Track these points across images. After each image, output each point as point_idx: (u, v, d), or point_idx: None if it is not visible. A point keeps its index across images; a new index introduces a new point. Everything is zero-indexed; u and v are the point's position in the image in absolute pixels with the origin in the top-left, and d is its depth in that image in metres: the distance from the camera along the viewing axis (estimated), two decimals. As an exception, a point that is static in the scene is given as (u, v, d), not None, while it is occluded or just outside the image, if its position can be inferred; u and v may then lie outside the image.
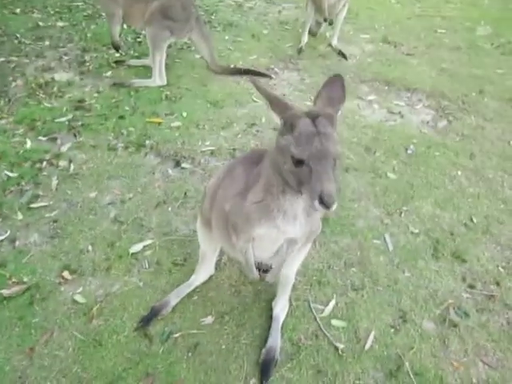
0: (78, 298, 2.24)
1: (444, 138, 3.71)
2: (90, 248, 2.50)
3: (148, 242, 2.56)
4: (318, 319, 2.22)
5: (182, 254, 2.51)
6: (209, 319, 2.19)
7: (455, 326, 2.23)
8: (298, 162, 1.37)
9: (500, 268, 2.56)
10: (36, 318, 2.12)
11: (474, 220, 2.87)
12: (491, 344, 2.17)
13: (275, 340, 2.09)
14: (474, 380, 2.02)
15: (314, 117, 1.39)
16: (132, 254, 2.48)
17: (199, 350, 2.05)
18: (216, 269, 2.40)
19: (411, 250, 2.63)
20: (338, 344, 2.12)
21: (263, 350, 2.04)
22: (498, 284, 2.46)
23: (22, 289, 2.24)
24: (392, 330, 2.20)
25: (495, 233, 2.78)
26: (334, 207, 1.33)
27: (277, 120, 1.44)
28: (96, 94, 3.92)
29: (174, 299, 2.23)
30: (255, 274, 1.88)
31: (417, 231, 2.76)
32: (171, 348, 2.06)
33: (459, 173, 3.30)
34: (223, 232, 1.89)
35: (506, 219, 2.89)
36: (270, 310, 2.23)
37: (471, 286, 2.44)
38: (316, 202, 1.34)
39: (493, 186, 3.17)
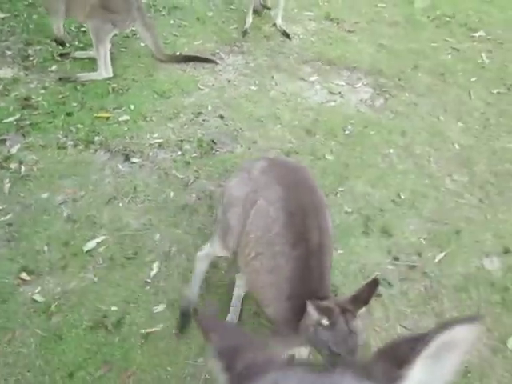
0: (37, 297, 2.43)
1: (380, 117, 3.96)
2: (45, 248, 2.67)
3: (101, 238, 2.75)
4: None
5: (133, 247, 2.71)
6: (160, 307, 2.42)
7: (379, 295, 2.54)
8: (333, 352, 1.65)
9: (422, 240, 2.87)
10: (-2, 319, 2.31)
11: (402, 196, 3.16)
12: (410, 309, 2.49)
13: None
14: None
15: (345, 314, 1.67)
16: (86, 251, 2.67)
17: (152, 336, 2.29)
18: (165, 260, 2.62)
19: (344, 229, 2.91)
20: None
21: None
22: (419, 255, 2.78)
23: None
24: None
25: (419, 207, 3.08)
26: None
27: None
28: (42, 91, 3.97)
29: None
30: None
31: (350, 210, 3.04)
32: (126, 337, 2.29)
33: (391, 150, 3.57)
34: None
35: (430, 193, 3.19)
36: (217, 294, 2.48)
37: (396, 258, 2.75)
38: None
39: (420, 162, 3.46)
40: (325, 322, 1.66)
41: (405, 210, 3.07)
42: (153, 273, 2.58)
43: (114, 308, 2.39)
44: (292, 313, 1.84)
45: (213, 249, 2.28)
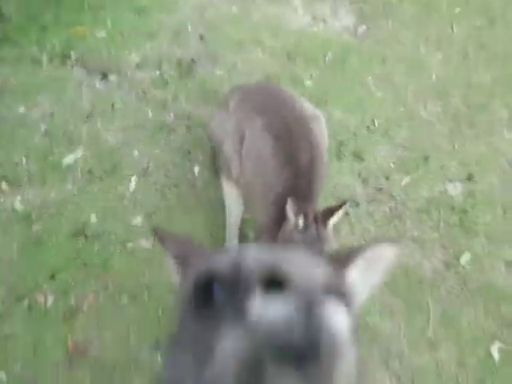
0: (17, 206, 2.50)
1: (361, 44, 3.95)
2: (24, 161, 2.71)
3: (79, 153, 2.79)
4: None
5: (111, 163, 2.76)
6: (138, 219, 2.53)
7: (347, 214, 2.68)
8: None
9: (391, 164, 2.99)
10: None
11: (376, 123, 3.24)
12: (374, 228, 2.65)
13: None
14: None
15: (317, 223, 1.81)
16: (65, 165, 2.72)
17: (130, 246, 2.41)
18: (143, 175, 2.70)
19: (318, 152, 3.00)
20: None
21: None
22: (387, 178, 2.91)
23: (-38, 200, 2.47)
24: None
25: (392, 134, 3.18)
26: None
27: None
28: (13, 3, 3.82)
29: None
30: None
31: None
32: (105, 245, 2.40)
33: (370, 78, 3.61)
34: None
35: (404, 122, 3.28)
36: (193, 210, 2.59)
37: (365, 181, 2.88)
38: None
39: (397, 91, 3.51)
40: (300, 222, 1.78)
41: (378, 136, 3.16)
42: (131, 187, 2.66)
43: (93, 219, 2.49)
44: (275, 224, 1.96)
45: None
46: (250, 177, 2.06)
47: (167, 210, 2.59)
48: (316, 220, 1.83)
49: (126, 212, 2.56)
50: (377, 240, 0.86)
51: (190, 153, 2.92)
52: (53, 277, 2.25)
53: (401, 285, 2.49)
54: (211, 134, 2.24)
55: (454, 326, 2.37)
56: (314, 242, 1.79)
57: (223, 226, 2.55)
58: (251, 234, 2.52)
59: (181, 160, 2.86)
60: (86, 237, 2.42)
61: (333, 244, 1.87)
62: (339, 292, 0.52)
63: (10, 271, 2.24)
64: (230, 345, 0.44)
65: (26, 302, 2.15)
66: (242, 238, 2.50)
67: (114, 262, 2.35)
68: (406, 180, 2.89)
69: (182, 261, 0.80)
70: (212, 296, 0.50)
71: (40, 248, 2.34)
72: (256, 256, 0.51)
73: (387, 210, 2.75)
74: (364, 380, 0.58)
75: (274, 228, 1.97)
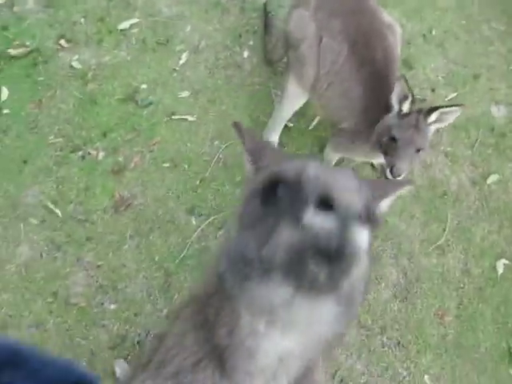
0: (75, 64, 2.61)
1: None
2: (82, 20, 2.77)
3: (135, 20, 2.83)
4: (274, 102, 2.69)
5: (164, 34, 2.81)
6: (185, 93, 2.64)
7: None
8: (393, 139, 1.87)
9: (440, 77, 2.97)
10: (41, 76, 2.53)
11: (433, 32, 3.15)
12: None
13: None
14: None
15: (419, 113, 1.86)
16: (120, 30, 2.78)
17: (176, 117, 2.55)
18: (194, 52, 2.76)
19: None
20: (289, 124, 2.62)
21: None
22: (433, 91, 2.90)
23: (25, 51, 2.59)
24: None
25: (447, 47, 3.10)
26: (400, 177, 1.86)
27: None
28: None
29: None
30: None
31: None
32: (153, 112, 2.55)
33: (437, -16, 3.43)
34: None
35: (462, 36, 3.18)
36: (237, 92, 2.68)
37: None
38: (388, 170, 1.89)
39: (462, 2, 3.35)
40: (406, 106, 1.89)
41: (432, 47, 3.09)
42: (181, 62, 2.73)
43: (143, 86, 2.61)
44: (366, 123, 2.06)
45: (281, 109, 2.38)
46: (324, 83, 2.11)
47: (213, 89, 2.69)
48: (420, 111, 1.88)
49: (174, 85, 2.66)
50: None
51: (240, 36, 2.93)
52: (104, 135, 2.43)
53: (425, 195, 2.61)
54: (289, 35, 2.22)
55: (467, 238, 2.53)
56: (411, 131, 1.86)
57: (264, 114, 2.65)
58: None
59: (231, 42, 2.89)
60: (136, 103, 2.55)
61: (427, 142, 1.95)
62: (369, 218, 0.68)
63: (68, 122, 2.42)
64: (285, 235, 0.61)
65: (80, 153, 2.36)
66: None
67: (160, 129, 2.50)
68: (451, 96, 2.89)
69: (256, 158, 0.97)
70: (276, 195, 0.65)
71: (94, 107, 2.49)
72: (316, 173, 0.65)
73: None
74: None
75: (357, 128, 2.11)
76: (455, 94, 2.90)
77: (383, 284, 2.33)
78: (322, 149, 2.58)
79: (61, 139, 2.37)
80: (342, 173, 0.72)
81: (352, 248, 0.63)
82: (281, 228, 0.62)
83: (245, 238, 0.72)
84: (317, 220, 0.61)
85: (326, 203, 0.62)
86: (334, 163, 2.47)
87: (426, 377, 2.21)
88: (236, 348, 0.78)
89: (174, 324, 0.99)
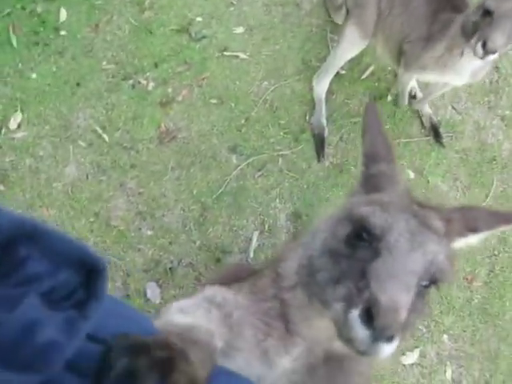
0: (132, -11, 2.61)
1: None
2: None
3: None
4: (330, 47, 2.60)
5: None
6: (240, 29, 2.59)
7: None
8: (487, 13, 1.62)
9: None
10: (99, 0, 2.54)
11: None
12: (466, 95, 2.60)
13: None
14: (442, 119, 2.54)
15: None
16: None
17: (228, 54, 2.53)
18: None
19: None
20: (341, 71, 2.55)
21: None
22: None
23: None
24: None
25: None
26: (492, 56, 1.61)
27: None
28: None
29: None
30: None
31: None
32: (206, 47, 2.53)
33: None
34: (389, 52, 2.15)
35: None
36: (293, 30, 2.61)
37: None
38: (479, 46, 1.61)
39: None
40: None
41: None
42: (239, -5, 2.67)
43: (198, 18, 2.57)
44: (439, 25, 1.95)
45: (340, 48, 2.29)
46: (386, 10, 2.03)
47: (269, 27, 2.62)
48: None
49: (230, 20, 2.61)
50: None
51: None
52: (156, 65, 2.45)
53: (472, 158, 2.53)
54: None
55: (509, 206, 2.45)
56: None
57: (317, 58, 2.58)
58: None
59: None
60: (189, 35, 2.54)
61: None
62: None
63: (122, 49, 2.45)
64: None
65: (130, 82, 2.40)
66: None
67: (211, 64, 2.50)
68: (518, 53, 2.71)
69: (369, 162, 1.02)
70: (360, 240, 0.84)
71: (148, 36, 2.50)
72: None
73: (487, 81, 2.64)
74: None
75: (428, 32, 1.99)
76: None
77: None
78: (372, 100, 2.52)
79: (114, 66, 2.41)
80: None
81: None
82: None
83: (321, 262, 0.88)
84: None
85: None
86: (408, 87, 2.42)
87: (445, 336, 2.24)
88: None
89: (255, 277, 1.12)
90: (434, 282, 0.85)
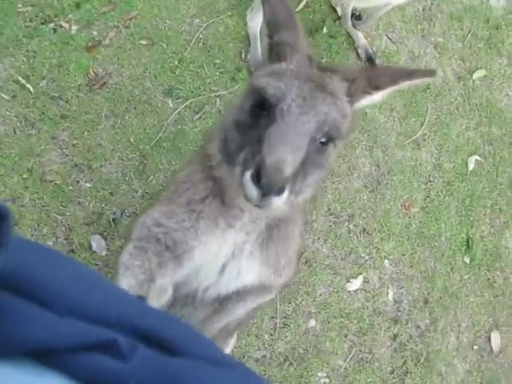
0: None
1: None
2: None
3: None
4: None
5: None
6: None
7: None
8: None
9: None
10: None
11: None
12: (400, 24, 2.60)
13: None
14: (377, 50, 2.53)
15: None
16: None
17: None
18: None
19: None
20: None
21: None
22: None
23: None
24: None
25: None
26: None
27: None
28: None
29: None
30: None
31: None
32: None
33: None
34: None
35: None
36: None
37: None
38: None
39: None
40: None
41: None
42: None
43: None
44: None
45: None
46: None
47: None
48: None
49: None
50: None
51: None
52: (78, 5, 2.27)
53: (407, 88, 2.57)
54: None
55: (443, 134, 2.55)
56: None
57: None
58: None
59: None
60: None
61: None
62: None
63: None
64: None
65: (51, 25, 2.22)
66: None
67: (137, 2, 2.34)
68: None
69: (273, 30, 1.03)
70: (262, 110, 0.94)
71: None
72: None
73: (420, 8, 2.64)
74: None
75: None
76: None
77: (355, 174, 2.39)
78: (307, 32, 2.47)
79: (30, 8, 2.22)
80: None
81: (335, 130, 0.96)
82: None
83: (231, 134, 0.98)
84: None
85: None
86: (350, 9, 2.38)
87: (385, 261, 2.37)
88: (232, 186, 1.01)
89: (185, 166, 1.21)
90: (330, 138, 0.96)
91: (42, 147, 2.10)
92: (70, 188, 2.09)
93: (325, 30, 2.50)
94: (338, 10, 2.47)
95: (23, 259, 0.49)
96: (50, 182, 2.08)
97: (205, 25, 2.39)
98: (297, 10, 2.48)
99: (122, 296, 0.63)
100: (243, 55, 2.40)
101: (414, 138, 2.50)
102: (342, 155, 2.37)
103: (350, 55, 2.49)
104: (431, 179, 2.53)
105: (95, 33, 2.27)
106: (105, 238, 2.07)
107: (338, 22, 2.48)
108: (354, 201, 2.37)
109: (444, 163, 2.54)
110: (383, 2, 2.19)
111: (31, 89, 2.14)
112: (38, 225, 2.02)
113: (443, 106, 2.57)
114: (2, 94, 2.12)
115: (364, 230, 2.36)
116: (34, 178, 2.06)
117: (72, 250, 2.03)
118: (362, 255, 2.34)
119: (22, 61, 2.16)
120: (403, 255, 2.41)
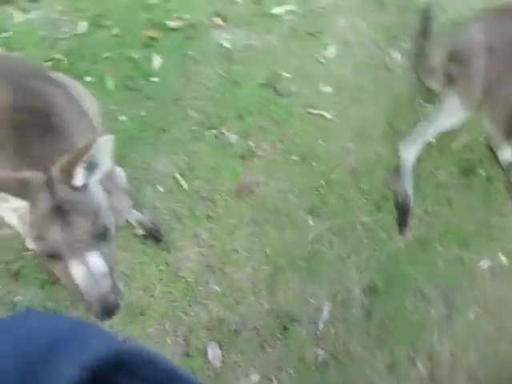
0: (225, 43, 2.65)
1: None
2: (240, 0, 2.79)
3: (290, 7, 2.80)
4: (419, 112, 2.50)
5: (316, 25, 2.74)
6: (327, 88, 2.57)
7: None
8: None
9: None
10: (191, 51, 2.59)
11: None
12: None
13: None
14: None
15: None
16: (274, 14, 2.76)
17: (313, 112, 2.48)
18: (343, 46, 2.66)
19: None
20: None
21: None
22: None
23: (182, 24, 2.67)
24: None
25: None
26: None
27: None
28: None
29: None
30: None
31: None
32: (292, 103, 2.50)
33: None
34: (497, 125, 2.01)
35: None
36: (383, 93, 2.54)
37: None
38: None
39: None
40: None
41: None
42: (328, 55, 2.66)
43: (286, 74, 2.57)
44: None
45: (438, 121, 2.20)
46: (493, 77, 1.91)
47: (357, 88, 2.58)
48: None
49: (317, 78, 2.59)
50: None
51: (394, 38, 2.77)
52: (240, 117, 2.43)
53: None
54: (456, 44, 2.05)
55: None
56: None
57: (405, 124, 2.48)
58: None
59: (384, 42, 2.74)
60: (276, 90, 2.53)
61: None
62: None
63: (208, 101, 2.46)
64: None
65: (214, 132, 2.39)
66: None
67: (295, 121, 2.45)
68: None
69: None
70: None
71: (235, 88, 2.50)
72: None
73: None
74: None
75: None
76: None
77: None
78: (462, 172, 2.38)
79: (200, 115, 2.42)
80: None
81: None
82: None
83: None
84: None
85: None
86: None
87: None
88: None
89: None
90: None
91: (183, 243, 2.16)
92: (200, 288, 2.08)
93: (482, 171, 2.38)
94: (499, 154, 2.35)
95: None
96: (183, 277, 2.09)
97: (356, 150, 2.41)
98: (454, 147, 2.42)
99: None
100: (389, 183, 2.35)
101: None
102: None
103: (510, 202, 2.32)
104: None
105: (252, 143, 2.39)
106: (221, 348, 1.99)
107: (499, 165, 2.36)
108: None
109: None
110: None
111: (186, 186, 2.26)
112: (162, 319, 2.01)
113: None
114: (159, 186, 2.26)
115: None
116: (170, 272, 2.09)
117: (188, 354, 1.97)
118: None
119: (183, 160, 2.32)
120: None
